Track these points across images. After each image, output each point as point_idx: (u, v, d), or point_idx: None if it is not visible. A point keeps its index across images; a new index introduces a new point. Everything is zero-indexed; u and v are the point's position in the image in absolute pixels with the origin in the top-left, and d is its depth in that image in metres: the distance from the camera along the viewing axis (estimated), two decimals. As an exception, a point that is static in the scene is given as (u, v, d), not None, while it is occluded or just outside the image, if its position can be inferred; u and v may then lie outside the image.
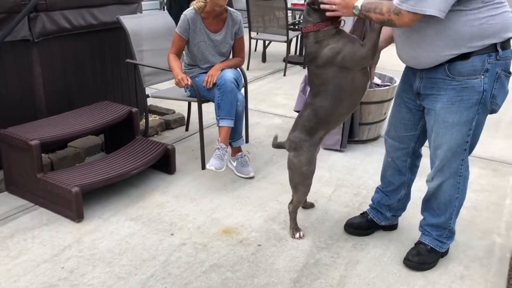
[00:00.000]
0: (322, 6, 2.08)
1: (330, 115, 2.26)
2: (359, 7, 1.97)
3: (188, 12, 3.11)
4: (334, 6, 2.04)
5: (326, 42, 2.14)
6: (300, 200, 2.47)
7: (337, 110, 2.24)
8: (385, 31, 2.17)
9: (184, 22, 3.10)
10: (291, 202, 2.50)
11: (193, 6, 3.11)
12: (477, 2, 1.82)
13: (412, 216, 2.61)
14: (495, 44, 1.89)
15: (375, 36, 2.10)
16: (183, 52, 3.27)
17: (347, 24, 2.29)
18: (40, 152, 2.65)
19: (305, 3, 2.21)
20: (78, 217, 2.57)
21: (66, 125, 2.91)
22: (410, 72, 2.16)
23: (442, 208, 2.19)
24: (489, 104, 1.98)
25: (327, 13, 2.08)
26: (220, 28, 3.17)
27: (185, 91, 3.30)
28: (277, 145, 2.63)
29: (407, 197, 2.47)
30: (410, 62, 2.08)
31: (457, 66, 1.92)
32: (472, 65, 1.90)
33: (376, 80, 3.83)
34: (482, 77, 1.92)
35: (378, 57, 2.33)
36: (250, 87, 4.87)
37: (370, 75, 2.26)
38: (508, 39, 1.93)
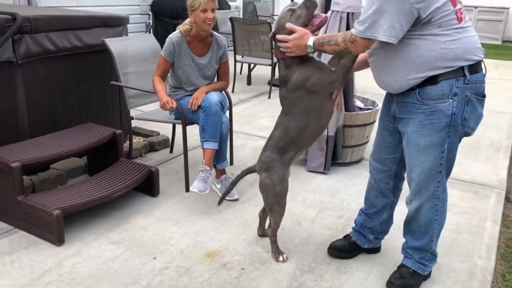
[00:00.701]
0: (280, 48, 2.21)
1: (300, 136, 2.32)
2: (312, 45, 2.10)
3: (173, 36, 3.14)
4: (288, 49, 2.17)
5: (296, 68, 2.23)
6: (278, 222, 2.47)
7: (306, 131, 2.31)
8: (360, 56, 2.24)
9: (169, 45, 3.13)
10: (269, 226, 2.50)
11: (179, 29, 3.15)
12: (434, 28, 1.89)
13: (395, 239, 2.63)
14: (463, 68, 1.95)
15: (349, 63, 2.18)
16: (168, 74, 3.29)
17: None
18: (22, 174, 2.62)
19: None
20: (58, 240, 2.53)
21: (49, 147, 2.89)
22: (388, 96, 2.23)
23: (423, 231, 2.21)
24: (460, 127, 2.03)
25: (287, 54, 2.20)
26: (205, 52, 3.21)
27: (170, 114, 3.31)
28: (247, 171, 2.60)
29: (389, 220, 2.49)
30: (383, 87, 2.15)
31: (427, 90, 1.98)
32: (441, 89, 1.96)
33: (359, 103, 3.90)
34: (451, 100, 1.97)
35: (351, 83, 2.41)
36: (235, 109, 4.91)
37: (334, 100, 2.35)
38: (477, 63, 1.99)
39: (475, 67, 1.98)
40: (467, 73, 1.95)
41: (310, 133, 2.34)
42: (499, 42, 12.24)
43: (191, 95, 3.18)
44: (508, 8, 12.24)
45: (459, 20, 1.92)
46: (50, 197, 2.67)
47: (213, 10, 3.04)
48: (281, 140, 2.34)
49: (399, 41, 1.92)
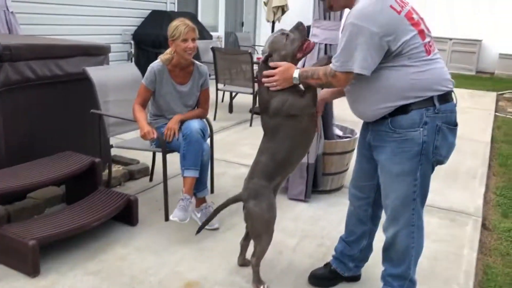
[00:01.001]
0: (265, 84, 2.29)
1: (287, 160, 2.36)
2: (297, 77, 2.19)
3: (155, 64, 3.17)
4: (275, 83, 2.25)
5: (274, 94, 2.29)
6: (264, 250, 2.45)
7: (293, 154, 2.36)
8: None
9: (150, 74, 3.15)
10: (253, 255, 2.46)
11: (160, 58, 3.18)
12: (404, 59, 1.98)
13: (374, 267, 2.63)
14: (433, 98, 2.01)
15: (312, 87, 2.28)
16: (149, 102, 3.30)
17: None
18: (-3, 204, 2.57)
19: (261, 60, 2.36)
20: (34, 271, 2.46)
21: (26, 175, 2.84)
22: (364, 125, 2.29)
23: (400, 258, 2.22)
24: (431, 156, 2.07)
25: (271, 88, 2.27)
26: (186, 80, 3.24)
27: (151, 145, 3.30)
28: (232, 200, 2.56)
29: (369, 248, 2.50)
30: (357, 115, 2.22)
31: (398, 119, 2.05)
32: (412, 118, 2.02)
33: (338, 132, 3.96)
34: (421, 129, 2.02)
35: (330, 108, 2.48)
36: (216, 137, 4.93)
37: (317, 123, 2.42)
38: (447, 93, 2.05)
39: (445, 97, 2.04)
40: (436, 103, 2.02)
41: (296, 156, 2.39)
42: (473, 73, 12.63)
43: (171, 122, 3.20)
44: (480, 41, 12.70)
45: (428, 52, 2.01)
46: (26, 227, 2.62)
47: (193, 40, 3.09)
48: (268, 165, 2.36)
49: (372, 72, 2.00)
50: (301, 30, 2.30)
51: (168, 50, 3.16)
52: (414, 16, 2.01)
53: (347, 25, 1.99)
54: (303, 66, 3.20)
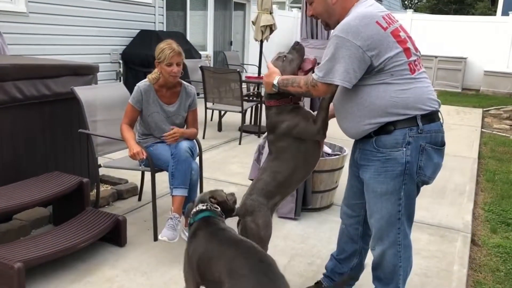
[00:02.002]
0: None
1: (288, 180, 2.37)
2: (277, 84, 2.22)
3: (141, 84, 3.17)
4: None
5: (284, 116, 2.32)
6: None
7: (295, 175, 2.37)
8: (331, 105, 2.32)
9: (137, 93, 3.15)
10: None
11: (148, 77, 3.18)
12: (386, 76, 1.99)
13: (366, 285, 2.62)
14: (416, 118, 2.00)
15: (323, 114, 2.29)
16: (137, 122, 3.30)
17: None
18: (-18, 226, 2.52)
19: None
20: (19, 295, 2.41)
21: (12, 196, 2.80)
22: (354, 143, 2.30)
23: (389, 277, 2.21)
24: (415, 176, 2.05)
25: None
26: (173, 101, 3.24)
27: (139, 164, 3.27)
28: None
29: (359, 267, 2.49)
30: (343, 132, 2.23)
31: (382, 139, 2.05)
32: (395, 138, 2.02)
33: (326, 149, 3.97)
34: (404, 149, 2.02)
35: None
36: (205, 155, 4.91)
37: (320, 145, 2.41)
38: (431, 113, 2.03)
39: (429, 117, 2.03)
40: (419, 123, 2.00)
41: (298, 177, 2.40)
42: (459, 90, 12.82)
43: (161, 142, 3.19)
44: (465, 58, 12.92)
45: (412, 71, 2.00)
46: (11, 249, 2.56)
47: (178, 64, 3.10)
48: (269, 184, 2.36)
49: (355, 88, 2.02)
50: (298, 49, 2.36)
51: (155, 70, 3.17)
52: (401, 34, 2.02)
53: (332, 37, 2.02)
54: None
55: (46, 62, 3.73)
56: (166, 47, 3.08)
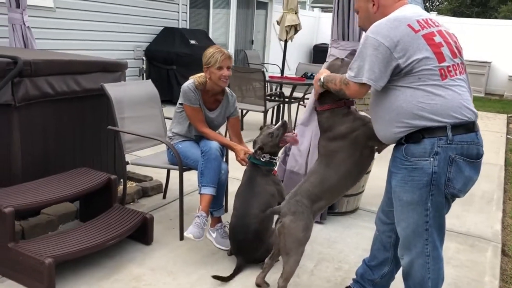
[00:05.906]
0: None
1: (334, 187, 2.33)
2: (322, 80, 2.25)
3: (189, 84, 3.13)
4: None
5: (341, 119, 2.30)
6: (292, 271, 2.38)
7: (343, 182, 2.33)
8: None
9: (189, 93, 3.11)
10: (281, 276, 2.39)
11: (193, 79, 3.15)
12: (414, 80, 1.94)
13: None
14: (446, 127, 1.92)
15: None
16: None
17: None
18: (14, 220, 2.53)
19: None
20: (48, 290, 2.42)
21: (42, 191, 2.81)
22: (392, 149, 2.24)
23: None
24: (443, 187, 1.96)
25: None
26: (215, 107, 3.24)
27: (168, 160, 3.24)
28: (271, 211, 2.57)
29: (390, 276, 2.44)
30: (377, 135, 2.19)
31: (411, 147, 2.00)
32: (423, 147, 1.96)
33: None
34: (432, 159, 1.94)
35: None
36: (229, 155, 4.88)
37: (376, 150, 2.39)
38: (464, 123, 1.94)
39: (462, 127, 1.94)
40: (449, 133, 1.92)
41: (345, 186, 2.36)
42: (482, 95, 12.61)
43: (190, 139, 3.18)
44: (490, 62, 12.71)
45: (443, 77, 1.92)
46: (41, 245, 2.58)
47: (228, 68, 3.07)
48: (316, 187, 2.33)
49: (385, 91, 2.00)
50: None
51: (202, 74, 3.14)
52: (436, 38, 1.96)
53: (363, 37, 2.03)
54: None
55: (76, 58, 3.74)
56: (216, 51, 3.06)
